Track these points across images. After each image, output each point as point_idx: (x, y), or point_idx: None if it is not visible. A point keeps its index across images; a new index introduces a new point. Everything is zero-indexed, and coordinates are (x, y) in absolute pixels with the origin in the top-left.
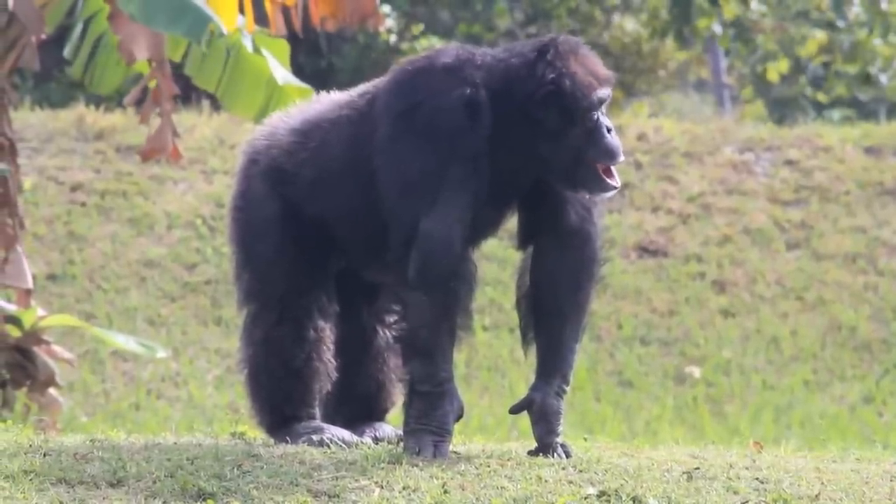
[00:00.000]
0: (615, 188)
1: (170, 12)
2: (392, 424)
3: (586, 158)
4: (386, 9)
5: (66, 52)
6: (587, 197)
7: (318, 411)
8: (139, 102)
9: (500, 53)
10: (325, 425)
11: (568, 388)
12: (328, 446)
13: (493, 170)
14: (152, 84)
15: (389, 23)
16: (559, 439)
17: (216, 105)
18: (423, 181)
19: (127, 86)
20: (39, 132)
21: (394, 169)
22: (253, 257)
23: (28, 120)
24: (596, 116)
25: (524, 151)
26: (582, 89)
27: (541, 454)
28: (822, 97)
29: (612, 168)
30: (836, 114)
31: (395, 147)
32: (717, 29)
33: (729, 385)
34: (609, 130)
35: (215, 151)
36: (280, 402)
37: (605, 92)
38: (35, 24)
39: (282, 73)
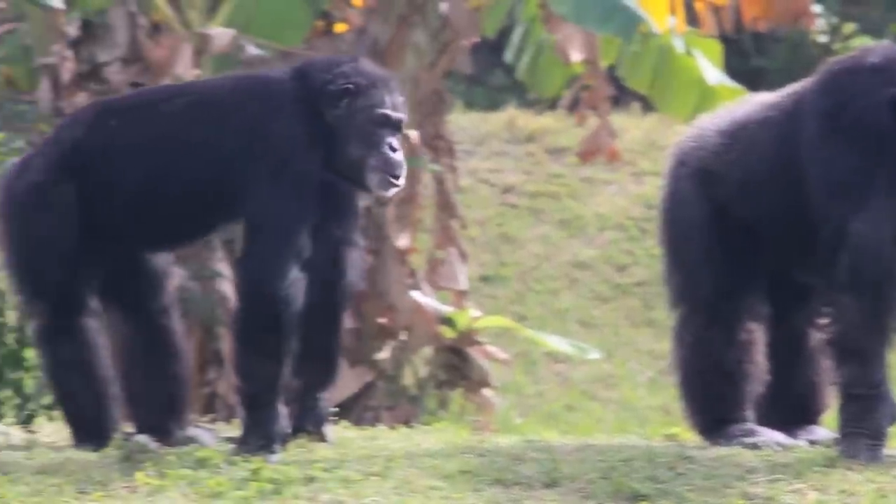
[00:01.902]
0: None
1: (601, 12)
2: (826, 427)
3: None
4: (817, 8)
5: (508, 55)
6: None
7: (750, 413)
8: (574, 105)
9: None
10: (759, 427)
11: None
12: (762, 449)
13: None
14: (587, 86)
15: (820, 23)
16: None
17: (646, 107)
18: (851, 182)
19: (563, 90)
20: (472, 135)
21: (821, 169)
22: (682, 259)
23: (460, 122)
24: None
25: None
26: None
27: None
28: None
29: None
30: None
31: (822, 147)
32: None
33: None
34: None
35: (645, 153)
36: (712, 404)
37: None
38: (468, 28)
39: (714, 74)
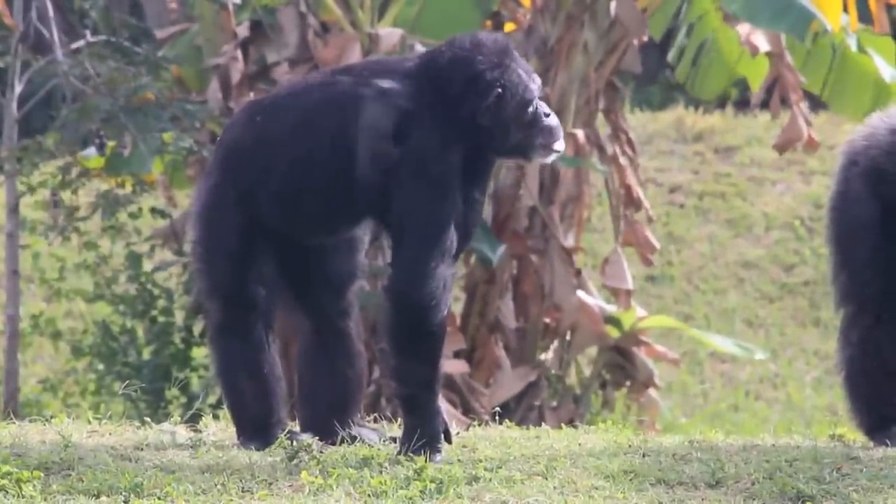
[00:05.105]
0: None
1: (772, 10)
2: None
3: None
4: None
5: (670, 56)
6: None
7: None
8: (764, 102)
9: None
10: None
11: None
12: None
13: None
14: (759, 87)
15: None
16: None
17: (814, 106)
18: None
19: (730, 90)
20: (639, 134)
21: None
22: (850, 258)
23: (628, 121)
24: None
25: None
26: None
27: None
28: None
29: None
30: None
31: None
32: None
33: None
34: None
35: (813, 152)
36: (878, 404)
37: None
38: (637, 28)
39: (889, 72)
